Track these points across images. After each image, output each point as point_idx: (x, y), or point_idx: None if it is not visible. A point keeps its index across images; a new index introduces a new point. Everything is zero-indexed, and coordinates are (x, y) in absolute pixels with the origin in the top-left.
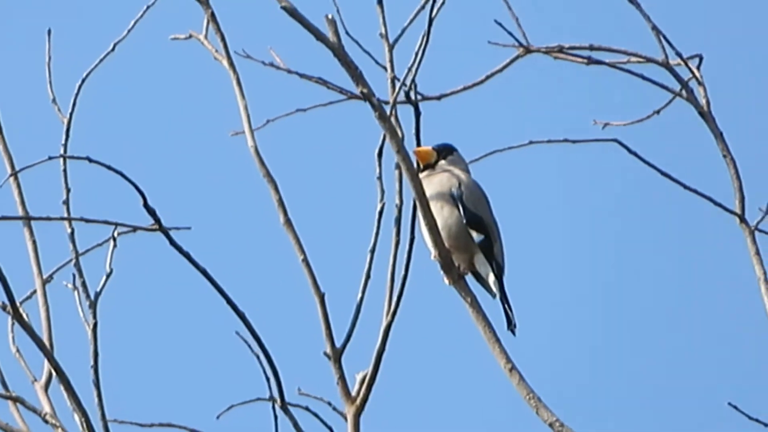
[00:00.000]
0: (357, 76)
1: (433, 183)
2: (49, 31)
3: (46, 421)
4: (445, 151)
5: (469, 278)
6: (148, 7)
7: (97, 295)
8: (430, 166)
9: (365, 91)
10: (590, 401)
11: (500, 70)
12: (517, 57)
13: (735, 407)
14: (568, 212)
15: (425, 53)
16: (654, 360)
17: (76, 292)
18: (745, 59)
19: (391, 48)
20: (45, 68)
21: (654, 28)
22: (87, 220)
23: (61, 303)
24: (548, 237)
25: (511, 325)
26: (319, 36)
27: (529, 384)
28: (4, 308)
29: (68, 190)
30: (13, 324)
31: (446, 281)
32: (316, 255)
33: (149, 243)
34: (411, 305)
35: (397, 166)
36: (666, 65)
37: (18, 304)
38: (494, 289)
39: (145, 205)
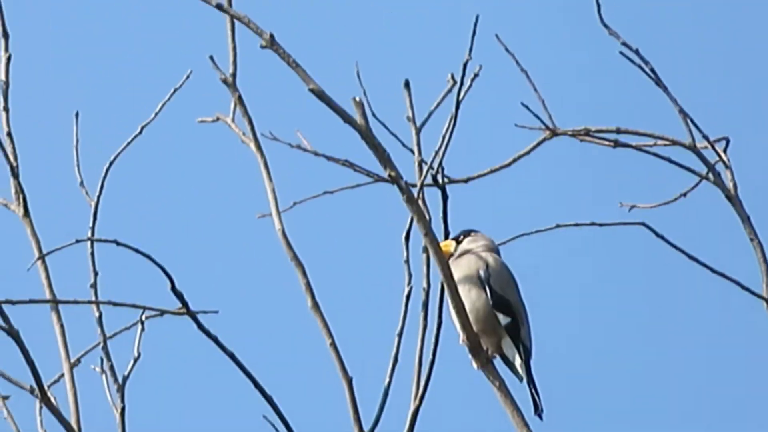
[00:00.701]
0: (385, 158)
1: (461, 266)
2: (77, 114)
3: None
4: (463, 234)
5: (498, 362)
6: (175, 90)
7: (125, 378)
8: (452, 255)
9: (393, 174)
10: None
11: (527, 153)
12: (544, 139)
13: None
14: (595, 295)
15: (452, 136)
16: None
17: (103, 376)
18: None
19: (418, 131)
20: (73, 151)
21: (681, 111)
22: (115, 304)
23: (88, 386)
24: (576, 320)
25: (538, 410)
26: (347, 118)
27: None
28: (32, 392)
29: (96, 274)
30: (41, 407)
31: (475, 365)
32: (344, 339)
33: (177, 326)
34: (439, 389)
35: (425, 249)
36: (693, 148)
37: (46, 387)
38: (521, 372)
39: (173, 288)
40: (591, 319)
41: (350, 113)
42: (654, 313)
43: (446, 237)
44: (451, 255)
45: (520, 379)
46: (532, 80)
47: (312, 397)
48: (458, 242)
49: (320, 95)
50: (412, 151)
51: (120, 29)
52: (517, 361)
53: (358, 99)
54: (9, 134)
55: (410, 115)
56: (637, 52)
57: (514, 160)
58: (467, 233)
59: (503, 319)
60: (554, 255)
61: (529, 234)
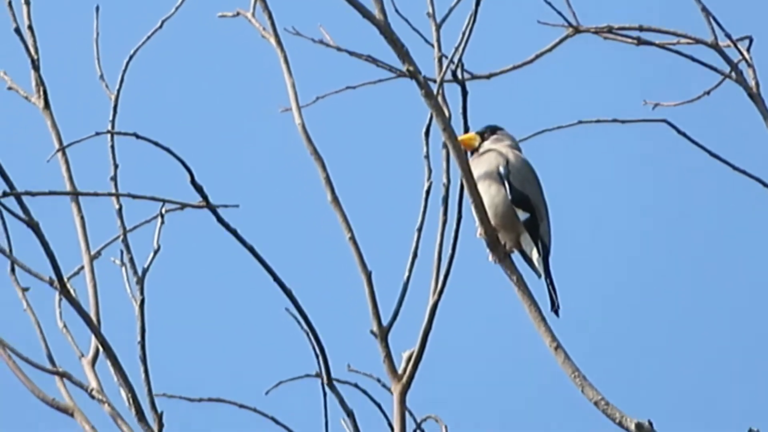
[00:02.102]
0: (403, 53)
1: (482, 162)
2: (97, 8)
3: (93, 397)
4: (489, 131)
5: (516, 257)
6: None
7: (145, 271)
8: (476, 150)
9: (411, 68)
10: (635, 380)
11: (549, 50)
12: (567, 37)
13: None
14: (616, 192)
15: (473, 32)
16: (698, 341)
17: (123, 269)
18: None
19: (438, 27)
20: (93, 44)
21: (704, 9)
22: (134, 196)
23: (108, 279)
24: (597, 217)
25: (554, 306)
26: (366, 13)
27: (574, 362)
28: (51, 283)
29: (116, 166)
30: (60, 299)
31: (491, 259)
32: (364, 233)
33: (197, 220)
34: (457, 284)
35: (445, 145)
36: (716, 47)
37: (65, 279)
38: (539, 268)
39: (193, 182)
40: (611, 215)
41: (370, 9)
42: (675, 210)
43: (466, 132)
44: (475, 149)
45: (539, 275)
46: None
47: (331, 291)
48: (483, 138)
49: None
50: (432, 46)
51: None
52: (536, 258)
53: None
54: (30, 27)
55: (431, 11)
56: None
57: (537, 57)
58: (493, 129)
59: (522, 215)
60: (577, 152)
61: (550, 130)
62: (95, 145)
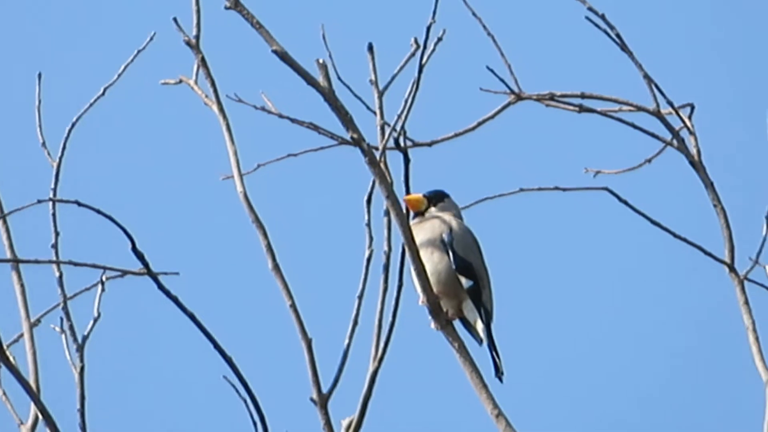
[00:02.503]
0: (347, 120)
1: (424, 229)
2: (40, 75)
3: None
4: (436, 197)
5: (457, 324)
6: (138, 51)
7: (85, 338)
8: (421, 214)
9: (355, 136)
10: None
11: (492, 117)
12: (509, 104)
13: None
14: (558, 260)
15: (415, 99)
16: (642, 407)
17: (63, 336)
18: (737, 109)
19: (381, 94)
20: (35, 112)
21: (646, 76)
22: (75, 264)
23: (48, 346)
24: (538, 284)
25: (498, 372)
26: (310, 80)
27: (515, 430)
28: None
29: (57, 234)
30: (0, 367)
31: (434, 326)
32: (304, 301)
33: (138, 287)
34: (398, 351)
35: (387, 213)
36: (657, 114)
37: (5, 346)
38: (482, 335)
39: (134, 249)
40: (553, 284)
41: (314, 75)
42: (617, 278)
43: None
44: (420, 213)
45: (480, 343)
46: (498, 44)
47: (272, 359)
48: (430, 202)
49: (284, 56)
50: (375, 113)
51: None
52: (479, 325)
53: (321, 61)
54: None
55: (373, 78)
56: (603, 17)
57: (479, 124)
58: (440, 196)
59: (465, 283)
60: (518, 219)
61: (492, 198)
62: (37, 213)
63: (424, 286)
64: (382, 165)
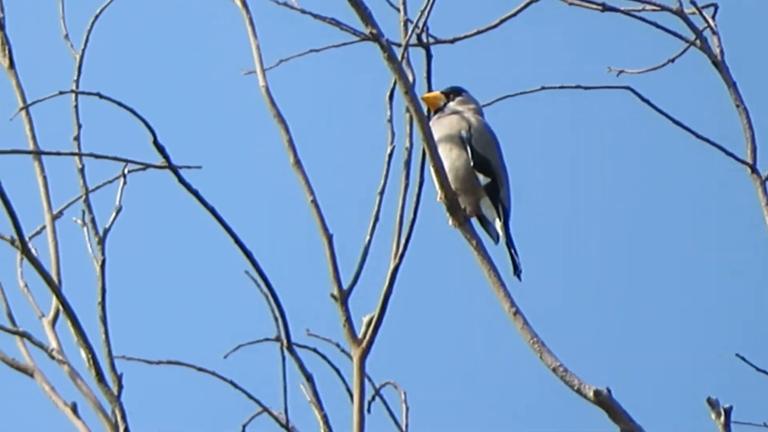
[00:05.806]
0: (365, 16)
1: (443, 125)
2: None
3: (53, 357)
4: (454, 92)
5: (475, 222)
6: None
7: (106, 231)
8: (440, 110)
9: (374, 31)
10: (594, 347)
11: (514, 14)
12: (531, 2)
13: (742, 358)
14: (578, 159)
15: None
16: (660, 307)
17: (85, 228)
18: (760, 9)
19: None
20: (58, 4)
21: None
22: (97, 156)
23: (69, 239)
24: (557, 183)
25: (516, 270)
26: None
27: (532, 328)
28: (12, 243)
29: (79, 126)
30: (21, 259)
31: (451, 223)
32: (325, 196)
33: (159, 181)
34: (418, 248)
35: (407, 109)
36: (680, 14)
37: (27, 239)
38: (500, 233)
39: (155, 142)
40: (572, 181)
41: None
42: (637, 177)
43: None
44: (439, 109)
45: (496, 241)
46: None
47: (292, 255)
48: (448, 98)
49: None
50: (398, 10)
51: None
52: (496, 222)
53: None
54: None
55: None
56: None
57: (501, 22)
58: (457, 91)
59: (483, 180)
60: (539, 118)
61: (513, 95)
62: (59, 105)
63: (442, 183)
64: (403, 62)
